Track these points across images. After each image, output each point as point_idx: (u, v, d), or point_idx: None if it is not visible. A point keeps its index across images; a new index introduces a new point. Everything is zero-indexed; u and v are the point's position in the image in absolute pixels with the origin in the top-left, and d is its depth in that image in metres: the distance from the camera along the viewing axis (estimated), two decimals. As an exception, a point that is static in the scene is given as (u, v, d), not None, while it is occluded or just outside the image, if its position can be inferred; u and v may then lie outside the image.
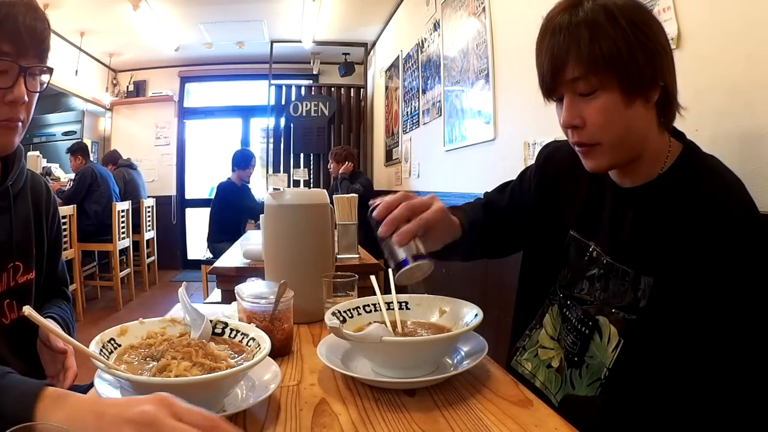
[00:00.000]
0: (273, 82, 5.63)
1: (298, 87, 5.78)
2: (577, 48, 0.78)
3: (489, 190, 1.18)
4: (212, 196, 4.73)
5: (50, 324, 0.67)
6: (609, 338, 0.88)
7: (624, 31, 0.76)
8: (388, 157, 4.71)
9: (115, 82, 6.33)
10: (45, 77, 0.90)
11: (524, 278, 1.09)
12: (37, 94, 0.90)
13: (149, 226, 5.47)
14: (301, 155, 5.71)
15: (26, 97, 0.85)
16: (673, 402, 0.78)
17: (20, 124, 0.88)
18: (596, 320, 0.90)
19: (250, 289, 0.96)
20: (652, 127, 0.84)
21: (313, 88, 5.85)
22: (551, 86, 0.83)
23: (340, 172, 4.32)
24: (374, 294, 0.95)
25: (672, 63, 0.83)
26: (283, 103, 5.65)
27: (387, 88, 4.78)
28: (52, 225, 1.11)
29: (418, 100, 3.65)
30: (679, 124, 0.92)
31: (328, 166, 4.60)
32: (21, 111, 0.86)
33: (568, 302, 0.96)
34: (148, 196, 5.57)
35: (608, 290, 0.89)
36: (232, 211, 4.28)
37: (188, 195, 6.62)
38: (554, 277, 1.00)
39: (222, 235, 4.01)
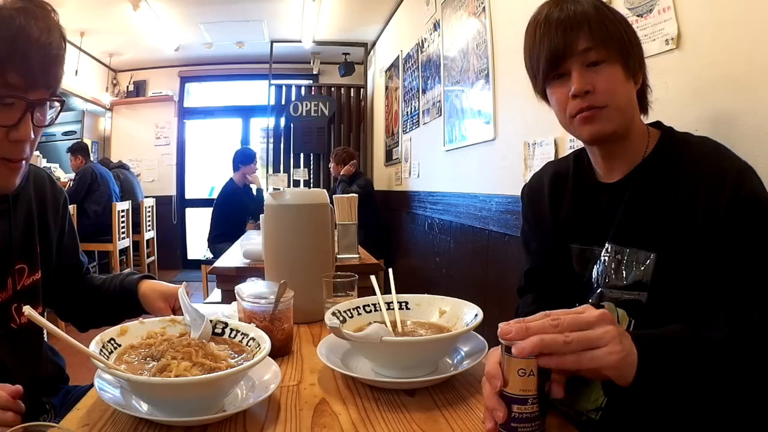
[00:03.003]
0: (273, 82, 5.62)
1: (298, 87, 5.77)
2: (587, 24, 0.86)
3: (522, 286, 1.14)
4: (213, 196, 4.73)
5: (50, 325, 0.67)
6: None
7: (619, 20, 0.89)
8: (388, 157, 4.71)
9: (115, 82, 6.32)
10: (55, 108, 0.82)
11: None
12: (44, 128, 0.82)
13: (149, 226, 5.47)
14: (301, 155, 5.71)
15: (33, 134, 0.77)
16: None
17: (24, 162, 0.81)
18: (601, 307, 0.90)
19: (250, 289, 0.96)
20: (637, 110, 0.93)
21: (313, 88, 5.85)
22: (562, 56, 0.88)
23: (341, 173, 4.33)
24: (374, 294, 0.95)
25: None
26: (283, 103, 5.65)
27: (387, 88, 4.78)
28: (63, 215, 1.08)
29: (418, 100, 3.65)
30: (679, 123, 0.92)
31: (329, 166, 4.59)
32: (25, 149, 0.79)
33: (577, 305, 0.97)
34: (148, 196, 5.57)
35: (611, 273, 0.90)
36: (235, 212, 4.28)
37: (188, 195, 6.61)
38: (565, 290, 1.01)
39: (223, 236, 4.01)
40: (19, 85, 0.74)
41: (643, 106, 0.95)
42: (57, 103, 0.82)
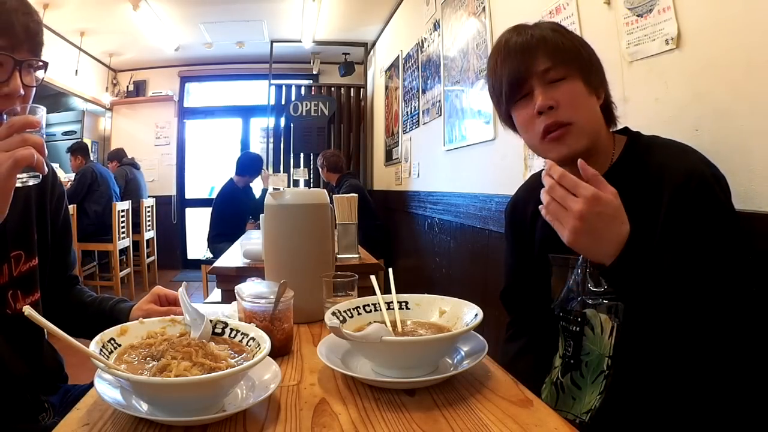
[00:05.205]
0: (273, 82, 5.62)
1: (298, 87, 5.77)
2: (544, 44, 0.90)
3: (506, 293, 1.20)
4: (213, 196, 4.73)
5: (50, 324, 0.67)
6: (602, 327, 0.89)
7: (577, 40, 0.94)
8: (388, 157, 4.71)
9: (115, 82, 6.32)
10: (40, 73, 0.92)
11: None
12: (34, 88, 0.91)
13: (149, 226, 5.47)
14: (301, 155, 5.70)
15: (22, 90, 0.86)
16: (681, 363, 0.80)
17: None
18: (583, 314, 0.91)
19: (250, 289, 0.96)
20: (602, 123, 0.94)
21: (313, 88, 5.84)
22: (523, 77, 0.91)
23: (324, 180, 4.37)
24: (374, 294, 0.95)
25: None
26: (283, 103, 5.65)
27: (387, 87, 4.78)
28: (58, 207, 1.10)
29: (418, 100, 3.65)
30: (679, 123, 0.93)
31: (322, 176, 4.55)
32: (17, 105, 0.86)
33: (561, 314, 0.99)
34: (148, 196, 5.58)
35: (588, 281, 0.92)
36: (234, 213, 4.28)
37: (188, 195, 6.62)
38: (549, 303, 1.01)
39: (223, 236, 4.00)
40: (6, 47, 0.84)
41: (610, 119, 0.97)
42: (42, 67, 0.91)
